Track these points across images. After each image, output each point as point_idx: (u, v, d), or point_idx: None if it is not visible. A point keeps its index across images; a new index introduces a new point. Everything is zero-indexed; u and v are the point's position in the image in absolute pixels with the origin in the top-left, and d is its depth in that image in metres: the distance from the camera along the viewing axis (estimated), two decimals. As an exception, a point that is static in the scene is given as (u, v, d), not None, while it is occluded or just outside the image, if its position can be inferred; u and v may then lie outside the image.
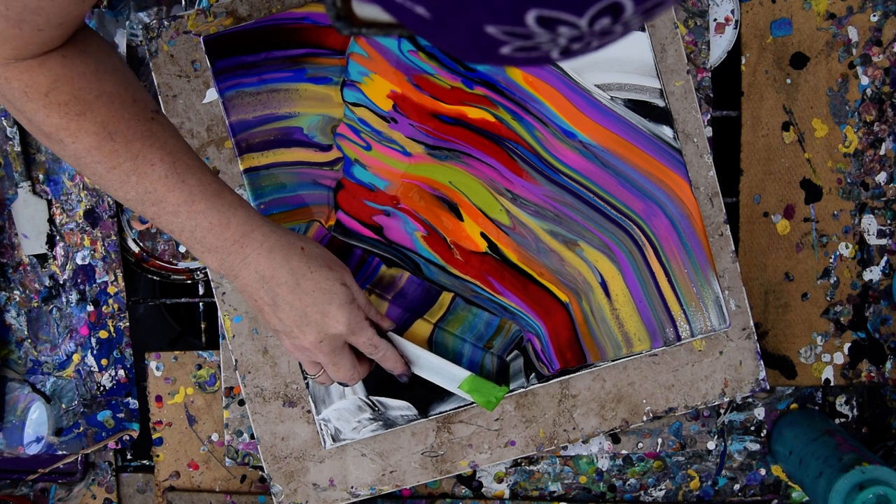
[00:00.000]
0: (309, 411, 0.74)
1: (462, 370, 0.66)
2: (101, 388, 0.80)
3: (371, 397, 0.73)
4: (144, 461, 0.83)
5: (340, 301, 0.58)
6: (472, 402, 0.72)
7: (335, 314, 0.58)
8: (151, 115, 0.57)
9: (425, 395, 0.73)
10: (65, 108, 0.53)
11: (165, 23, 0.74)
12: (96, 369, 0.80)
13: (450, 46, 0.30)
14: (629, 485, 0.80)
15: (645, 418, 0.74)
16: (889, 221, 0.77)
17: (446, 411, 0.74)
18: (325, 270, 0.58)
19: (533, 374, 0.73)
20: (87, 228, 0.79)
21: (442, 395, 0.74)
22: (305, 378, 0.73)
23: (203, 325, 0.83)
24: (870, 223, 0.77)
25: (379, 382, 0.74)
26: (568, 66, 0.72)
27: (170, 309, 1.09)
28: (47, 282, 0.80)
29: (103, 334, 0.80)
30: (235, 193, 0.58)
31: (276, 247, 0.58)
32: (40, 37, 0.51)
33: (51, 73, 0.53)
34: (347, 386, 0.63)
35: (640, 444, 0.78)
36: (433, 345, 0.73)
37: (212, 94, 0.74)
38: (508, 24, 0.27)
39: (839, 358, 0.78)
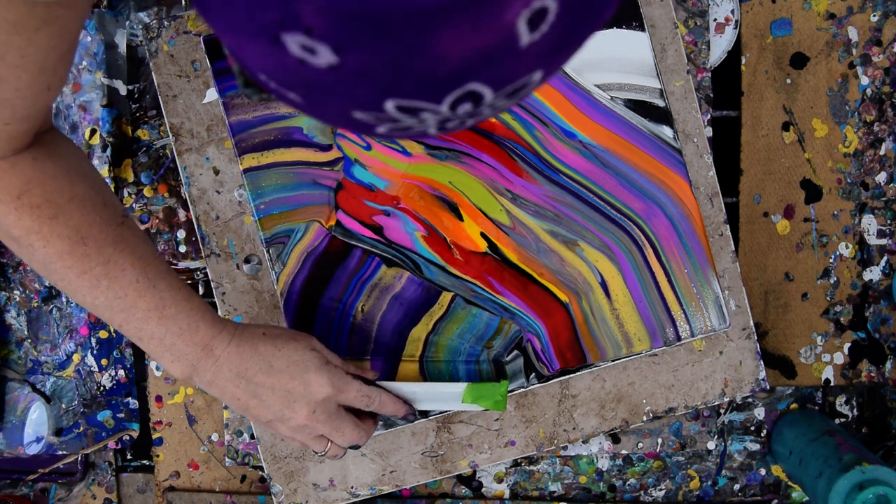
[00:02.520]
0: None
1: (458, 385, 0.67)
2: (101, 388, 0.80)
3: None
4: (144, 461, 0.83)
5: (316, 365, 0.58)
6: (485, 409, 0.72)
7: (316, 379, 0.58)
8: (121, 220, 0.56)
9: (425, 395, 0.73)
10: (37, 211, 0.52)
11: (165, 23, 0.74)
12: (96, 369, 0.80)
13: (331, 124, 0.31)
14: (629, 485, 0.80)
15: (645, 418, 0.74)
16: (889, 221, 0.77)
17: (446, 411, 0.74)
18: (291, 343, 0.59)
19: (533, 374, 0.73)
20: (87, 228, 0.79)
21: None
22: (320, 456, 0.71)
23: (203, 325, 0.83)
24: (870, 223, 0.77)
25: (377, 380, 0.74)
26: (568, 66, 0.72)
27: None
28: (47, 282, 0.80)
29: (103, 334, 0.80)
30: (200, 297, 0.58)
31: (241, 341, 0.57)
32: (7, 131, 0.50)
33: (22, 175, 0.52)
34: (359, 448, 0.63)
35: (640, 444, 0.78)
36: (425, 376, 0.73)
37: (212, 94, 0.74)
38: (372, 112, 0.28)
39: (839, 358, 0.78)
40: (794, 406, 0.79)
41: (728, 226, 0.74)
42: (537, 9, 0.25)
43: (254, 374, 0.57)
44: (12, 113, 0.48)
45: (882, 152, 0.77)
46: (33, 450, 0.80)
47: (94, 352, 0.80)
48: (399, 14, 0.24)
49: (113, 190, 0.78)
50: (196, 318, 0.56)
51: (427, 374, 0.73)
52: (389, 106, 0.28)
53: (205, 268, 0.79)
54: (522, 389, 0.74)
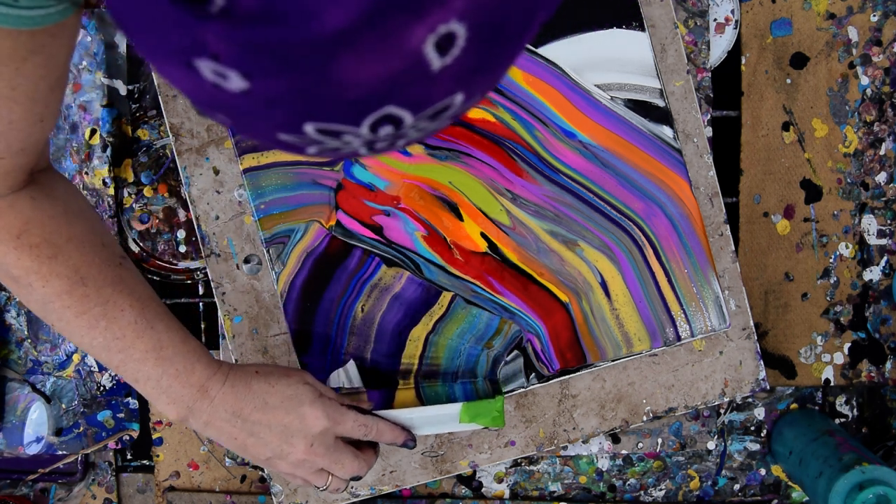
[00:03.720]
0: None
1: (453, 405, 0.67)
2: (101, 388, 0.80)
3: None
4: (144, 461, 0.83)
5: (310, 399, 0.58)
6: (485, 427, 0.72)
7: (311, 412, 0.58)
8: (119, 260, 0.56)
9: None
10: (36, 251, 0.52)
11: (165, 23, 0.74)
12: (96, 369, 0.80)
13: (263, 144, 0.31)
14: (629, 485, 0.80)
15: (645, 418, 0.74)
16: (889, 221, 0.77)
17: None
18: (284, 380, 0.59)
19: (533, 374, 0.73)
20: (87, 228, 0.79)
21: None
22: (321, 491, 0.70)
23: (203, 325, 0.83)
24: (870, 223, 0.77)
25: (377, 380, 0.74)
26: (568, 66, 0.72)
27: (170, 309, 1.09)
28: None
29: (103, 334, 0.80)
30: (195, 338, 0.58)
31: (236, 381, 0.58)
32: (2, 166, 0.50)
33: (21, 214, 0.52)
34: (360, 479, 0.63)
35: (640, 444, 0.78)
36: (422, 397, 0.73)
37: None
38: (294, 135, 0.28)
39: (839, 358, 0.78)
40: (794, 406, 0.79)
41: (728, 226, 0.74)
42: (444, 34, 0.25)
43: (249, 412, 0.57)
44: (6, 147, 0.48)
45: (882, 152, 0.77)
46: (33, 450, 0.80)
47: (94, 352, 0.80)
48: (296, 44, 0.24)
49: (113, 191, 0.78)
50: (192, 359, 0.57)
51: (424, 397, 0.73)
52: (309, 129, 0.28)
53: (205, 268, 0.79)
54: (522, 389, 0.74)
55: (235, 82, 0.26)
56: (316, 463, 0.59)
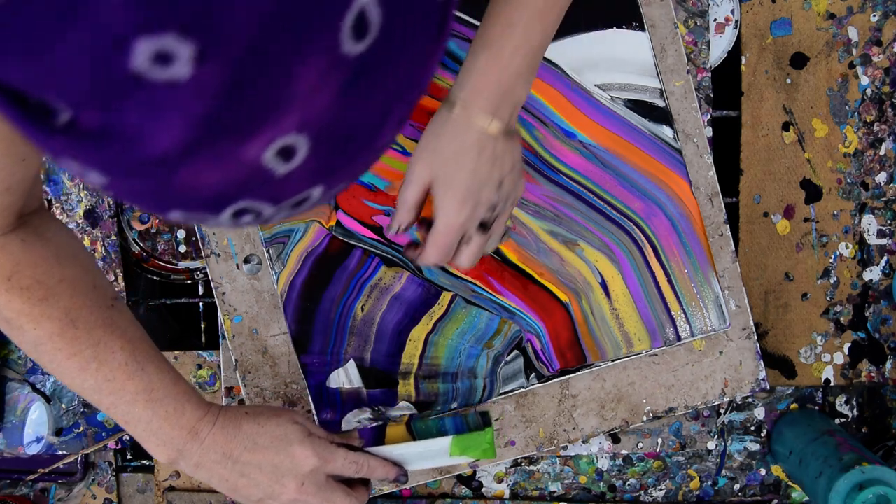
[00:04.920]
0: (309, 411, 0.74)
1: (443, 439, 0.67)
2: (101, 388, 0.80)
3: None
4: (144, 461, 0.83)
5: (299, 438, 0.58)
6: (476, 459, 0.72)
7: (300, 451, 0.58)
8: (111, 302, 0.56)
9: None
10: (27, 293, 0.52)
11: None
12: (96, 369, 0.80)
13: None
14: (629, 485, 0.80)
15: (645, 418, 0.74)
16: (889, 221, 0.77)
17: (446, 411, 0.74)
18: (273, 419, 0.59)
19: (533, 374, 0.73)
20: (88, 228, 0.79)
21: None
22: None
23: (203, 325, 0.83)
24: (870, 223, 0.77)
25: (377, 380, 0.74)
26: (568, 66, 0.72)
27: (170, 309, 1.09)
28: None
29: (103, 334, 0.80)
30: (186, 381, 0.58)
31: (226, 423, 0.57)
32: None
33: (12, 256, 0.52)
34: None
35: (640, 444, 0.78)
36: (413, 432, 0.72)
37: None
38: (164, 216, 0.29)
39: (839, 358, 0.78)
40: (794, 406, 0.79)
41: (728, 226, 0.74)
42: (283, 146, 0.25)
43: (239, 453, 0.57)
44: None
45: (882, 152, 0.77)
46: (33, 450, 0.80)
47: (94, 352, 0.80)
48: (134, 159, 0.25)
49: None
50: (182, 400, 0.57)
51: (415, 429, 0.72)
52: (175, 215, 0.29)
53: (205, 268, 0.79)
54: (522, 389, 0.74)
55: (97, 178, 0.27)
56: (307, 502, 0.59)
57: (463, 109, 0.55)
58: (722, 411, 0.78)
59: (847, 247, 0.77)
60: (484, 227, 0.59)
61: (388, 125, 0.29)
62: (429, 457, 0.67)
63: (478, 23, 0.71)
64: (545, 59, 0.72)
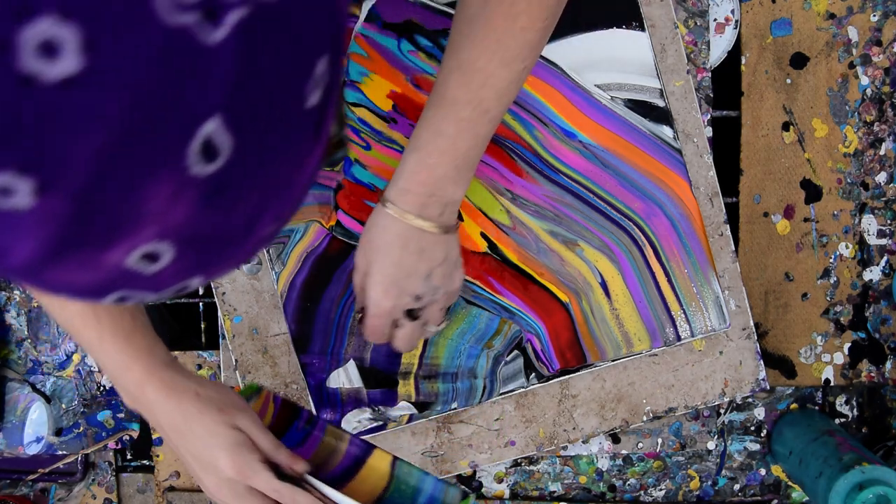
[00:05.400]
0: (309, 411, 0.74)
1: None
2: (101, 388, 0.80)
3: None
4: (144, 461, 0.83)
5: (227, 444, 0.56)
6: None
7: (222, 457, 0.56)
8: None
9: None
10: None
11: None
12: (96, 369, 0.80)
13: None
14: (629, 485, 0.80)
15: (645, 418, 0.74)
16: (889, 221, 0.77)
17: (446, 411, 0.74)
18: (214, 414, 0.57)
19: (533, 374, 0.73)
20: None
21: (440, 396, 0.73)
22: None
23: (203, 325, 0.83)
24: (870, 223, 0.77)
25: (377, 380, 0.74)
26: (568, 66, 0.72)
27: (170, 309, 1.09)
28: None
29: (103, 334, 0.80)
30: (149, 338, 0.58)
31: (172, 393, 0.57)
32: None
33: None
34: None
35: (640, 444, 0.78)
36: (394, 473, 0.63)
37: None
38: (56, 296, 0.29)
39: (839, 358, 0.78)
40: (794, 406, 0.79)
41: (728, 226, 0.74)
42: (146, 253, 0.25)
43: (173, 429, 0.57)
44: None
45: (882, 152, 0.77)
46: (33, 450, 0.80)
47: (94, 352, 0.80)
48: (2, 269, 0.25)
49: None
50: (132, 357, 0.56)
51: (397, 475, 0.66)
52: (62, 296, 0.29)
53: (205, 268, 0.79)
54: (522, 389, 0.74)
55: None
56: (224, 502, 0.58)
57: (392, 206, 0.59)
58: (722, 411, 0.78)
59: (847, 247, 0.77)
60: (412, 315, 0.62)
61: (262, 222, 0.29)
62: None
63: (478, 23, 0.71)
64: (545, 59, 0.72)
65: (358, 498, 0.58)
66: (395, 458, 0.61)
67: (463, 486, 0.60)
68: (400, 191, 0.59)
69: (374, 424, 0.74)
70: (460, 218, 0.73)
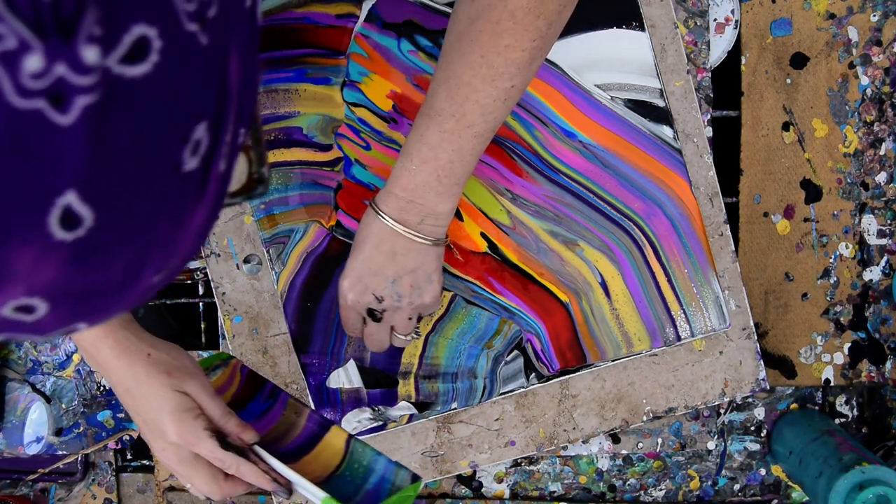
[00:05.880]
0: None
1: (319, 493, 0.57)
2: (101, 388, 0.80)
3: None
4: (144, 461, 0.83)
5: (171, 408, 0.56)
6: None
7: (165, 422, 0.56)
8: None
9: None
10: None
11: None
12: (96, 369, 0.80)
13: None
14: (629, 485, 0.80)
15: (645, 418, 0.74)
16: (889, 221, 0.77)
17: (446, 411, 0.74)
18: (162, 377, 0.56)
19: (533, 374, 0.73)
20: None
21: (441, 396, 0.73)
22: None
23: (203, 325, 0.83)
24: (870, 223, 0.77)
25: (377, 380, 0.74)
26: (568, 66, 0.72)
27: (170, 309, 1.09)
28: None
29: (103, 334, 0.80)
30: None
31: (123, 353, 0.56)
32: None
33: None
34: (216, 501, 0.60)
35: (640, 444, 0.78)
36: (349, 449, 0.62)
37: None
38: None
39: (839, 358, 0.78)
40: (794, 406, 0.79)
41: (728, 226, 0.74)
42: (18, 306, 0.26)
43: (124, 390, 0.57)
44: None
45: (882, 152, 0.77)
46: (33, 450, 0.80)
47: (94, 352, 0.80)
48: None
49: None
50: None
51: (351, 450, 0.65)
52: None
53: (205, 268, 0.79)
54: (522, 389, 0.74)
55: None
56: (169, 466, 0.58)
57: (374, 206, 0.61)
58: (722, 411, 0.78)
59: (847, 247, 0.77)
60: (373, 315, 0.64)
61: (144, 275, 0.29)
62: (309, 493, 0.59)
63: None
64: (545, 59, 0.72)
65: (309, 473, 0.58)
66: (351, 437, 0.60)
67: (413, 471, 0.59)
68: (384, 192, 0.61)
69: (374, 424, 0.74)
70: (460, 218, 0.73)
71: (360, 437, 0.63)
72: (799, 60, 0.76)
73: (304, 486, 0.58)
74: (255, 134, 0.35)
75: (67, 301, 0.27)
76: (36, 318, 0.27)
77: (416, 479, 0.59)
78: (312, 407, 0.64)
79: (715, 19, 0.76)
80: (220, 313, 0.75)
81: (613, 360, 0.73)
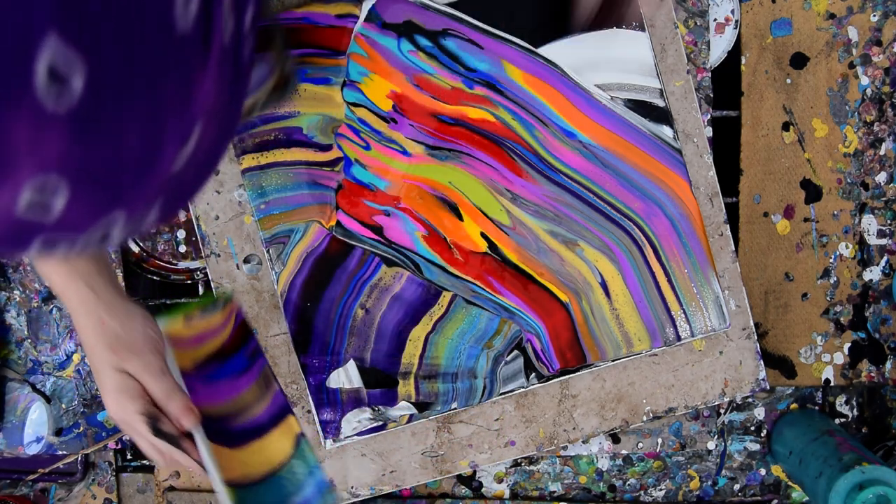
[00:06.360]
0: (309, 411, 0.74)
1: (222, 489, 0.56)
2: (101, 388, 0.80)
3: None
4: (144, 461, 0.83)
5: (109, 387, 0.54)
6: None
7: (104, 397, 0.55)
8: None
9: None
10: None
11: (165, 23, 0.74)
12: (96, 369, 0.80)
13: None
14: (629, 485, 0.80)
15: (645, 418, 0.74)
16: (889, 221, 0.77)
17: (446, 411, 0.74)
18: (104, 352, 0.55)
19: (533, 374, 0.73)
20: (87, 228, 0.79)
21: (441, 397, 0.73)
22: None
23: (203, 325, 0.83)
24: (870, 223, 0.77)
25: (377, 380, 0.74)
26: (568, 66, 0.72)
27: (170, 308, 1.09)
28: (48, 282, 0.80)
29: (103, 334, 0.80)
30: (89, 263, 0.55)
31: (81, 308, 0.55)
32: None
33: None
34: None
35: (640, 444, 0.78)
36: (299, 445, 0.61)
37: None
38: None
39: (839, 358, 0.78)
40: (794, 406, 0.79)
41: (728, 226, 0.74)
42: (37, 188, 0.25)
43: (88, 348, 0.55)
44: None
45: (882, 152, 0.77)
46: (33, 450, 0.80)
47: (94, 352, 0.80)
48: None
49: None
50: (71, 279, 0.55)
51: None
52: None
53: (205, 268, 0.79)
54: (522, 389, 0.74)
55: None
56: (120, 428, 0.56)
57: None
58: (722, 411, 0.78)
59: (847, 247, 0.77)
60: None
61: (165, 149, 0.28)
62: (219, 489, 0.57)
63: (480, 25, 0.71)
64: (545, 59, 0.72)
65: (251, 465, 0.56)
66: (300, 438, 0.58)
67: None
68: None
69: (374, 424, 0.74)
70: (460, 218, 0.73)
71: (308, 443, 0.60)
72: (799, 60, 0.76)
73: (219, 490, 0.55)
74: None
75: (88, 179, 0.26)
76: (61, 207, 0.26)
77: None
78: (281, 386, 0.62)
79: (715, 19, 0.76)
80: (220, 313, 0.75)
81: (613, 360, 0.73)
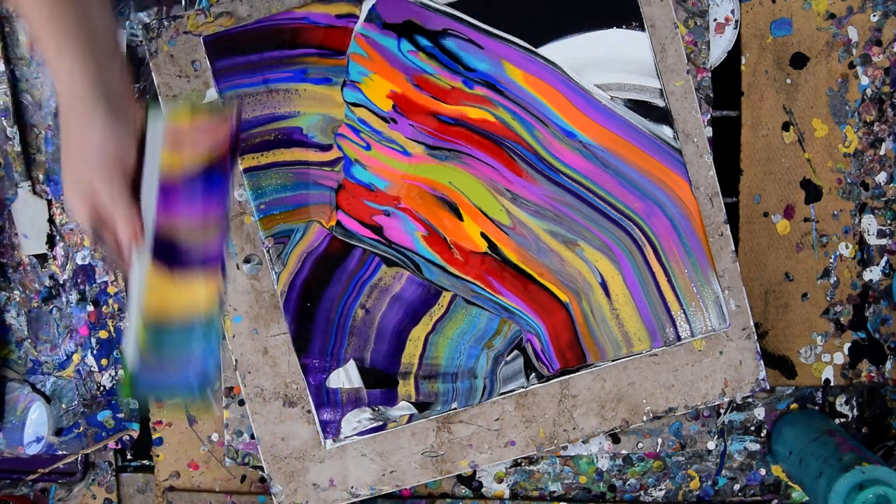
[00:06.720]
0: (309, 411, 0.74)
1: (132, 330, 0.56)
2: (101, 388, 0.80)
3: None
4: (144, 461, 0.83)
5: (69, 187, 0.55)
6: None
7: (67, 196, 0.55)
8: None
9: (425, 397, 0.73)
10: None
11: (165, 23, 0.74)
12: (96, 369, 0.80)
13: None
14: (629, 485, 0.80)
15: (645, 418, 0.74)
16: (889, 221, 0.77)
17: (446, 411, 0.74)
18: (78, 160, 0.54)
19: (533, 374, 0.73)
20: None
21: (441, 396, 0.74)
22: None
23: (203, 325, 0.83)
24: (870, 223, 0.77)
25: (377, 380, 0.74)
26: (568, 66, 0.72)
27: (170, 309, 1.09)
28: (47, 282, 0.80)
29: (103, 334, 0.80)
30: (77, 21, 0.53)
31: (64, 88, 0.54)
32: None
33: None
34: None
35: (640, 444, 0.78)
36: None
37: (212, 94, 0.74)
38: None
39: (839, 358, 0.78)
40: (794, 406, 0.79)
41: (728, 226, 0.74)
42: None
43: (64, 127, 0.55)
44: None
45: (882, 152, 0.77)
46: (33, 450, 0.80)
47: (94, 352, 0.80)
48: None
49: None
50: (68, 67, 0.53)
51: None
52: None
53: (205, 268, 0.79)
54: (522, 389, 0.74)
55: None
56: None
57: None
58: (722, 411, 0.78)
59: (847, 247, 0.77)
60: None
61: None
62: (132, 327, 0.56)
63: (480, 24, 0.71)
64: (545, 59, 0.72)
65: (165, 303, 0.55)
66: (221, 302, 0.57)
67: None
68: None
69: (374, 424, 0.74)
70: (460, 218, 0.73)
71: (221, 318, 0.59)
72: (799, 60, 0.76)
73: (133, 323, 0.55)
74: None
75: None
76: None
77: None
78: (229, 232, 0.60)
79: (715, 19, 0.76)
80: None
81: (613, 360, 0.73)
